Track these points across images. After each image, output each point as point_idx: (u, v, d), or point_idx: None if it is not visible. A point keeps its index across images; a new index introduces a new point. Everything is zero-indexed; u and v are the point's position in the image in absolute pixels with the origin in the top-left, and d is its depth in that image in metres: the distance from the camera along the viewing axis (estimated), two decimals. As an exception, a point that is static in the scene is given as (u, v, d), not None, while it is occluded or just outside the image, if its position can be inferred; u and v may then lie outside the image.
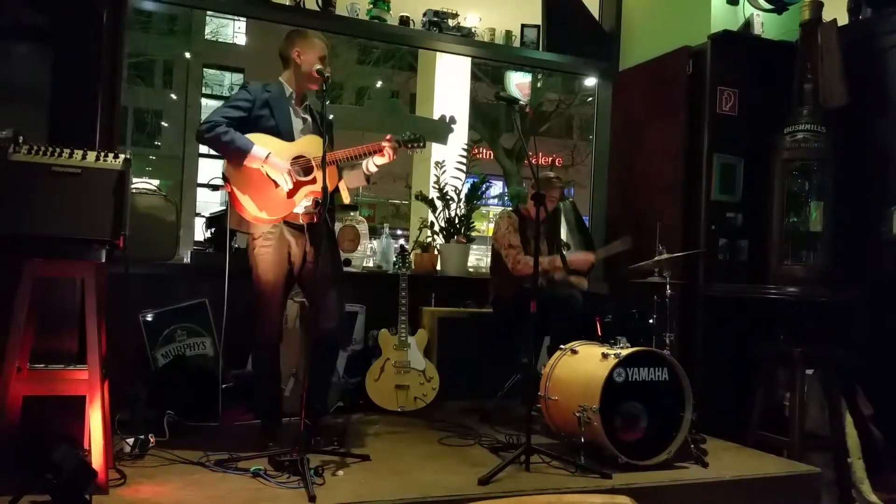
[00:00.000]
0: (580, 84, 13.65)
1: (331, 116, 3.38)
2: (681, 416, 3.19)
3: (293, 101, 3.24)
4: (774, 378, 3.99)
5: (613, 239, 4.70)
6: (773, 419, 3.91)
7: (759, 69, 4.36)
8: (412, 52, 9.69)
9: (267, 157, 3.04)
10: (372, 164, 3.29)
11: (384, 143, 3.23)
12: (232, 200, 3.11)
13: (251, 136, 3.06)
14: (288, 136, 3.16)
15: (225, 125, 3.02)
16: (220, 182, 3.37)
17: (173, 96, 19.81)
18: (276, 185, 3.08)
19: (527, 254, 3.93)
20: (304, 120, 3.25)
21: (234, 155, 3.03)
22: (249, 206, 3.07)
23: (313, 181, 3.09)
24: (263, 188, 3.08)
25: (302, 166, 3.11)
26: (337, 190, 3.28)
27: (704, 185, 4.27)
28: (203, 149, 19.93)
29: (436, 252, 4.89)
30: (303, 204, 3.12)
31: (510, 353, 4.10)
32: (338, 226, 4.37)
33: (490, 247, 4.33)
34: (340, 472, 2.84)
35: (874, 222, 3.99)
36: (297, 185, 3.10)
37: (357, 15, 4.70)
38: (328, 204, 2.96)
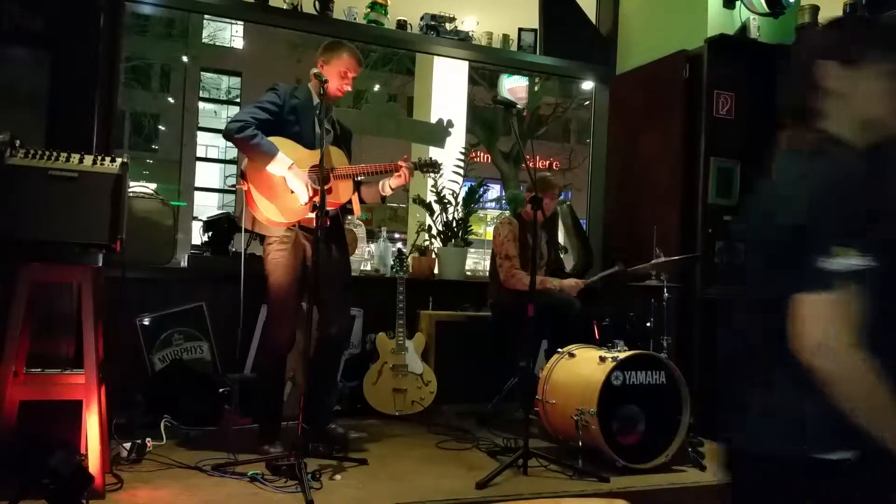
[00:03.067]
0: (577, 88, 13.67)
1: (340, 122, 3.39)
2: (678, 419, 3.19)
3: (318, 111, 3.26)
4: (772, 381, 3.99)
5: (610, 242, 4.72)
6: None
7: (756, 73, 4.36)
8: (410, 55, 9.71)
9: (291, 166, 3.06)
10: (388, 186, 3.34)
11: (401, 164, 3.27)
12: (247, 199, 3.11)
13: (274, 140, 3.08)
14: (310, 145, 3.18)
15: (255, 126, 3.04)
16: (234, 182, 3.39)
17: (171, 100, 19.81)
18: (293, 190, 3.09)
19: (525, 258, 3.93)
20: (328, 131, 3.26)
21: (259, 157, 3.05)
22: (264, 208, 3.08)
23: (329, 191, 3.11)
24: (280, 191, 3.09)
25: (320, 175, 3.12)
26: (349, 201, 3.31)
27: (701, 189, 4.27)
28: (200, 152, 20.00)
29: (433, 256, 4.89)
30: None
31: (508, 356, 4.10)
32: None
33: (491, 251, 4.33)
34: (338, 477, 2.83)
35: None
36: (314, 193, 3.11)
37: (354, 19, 4.71)
38: (326, 212, 2.95)
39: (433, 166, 3.40)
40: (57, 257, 2.57)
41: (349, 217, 4.72)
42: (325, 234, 3.07)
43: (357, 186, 3.36)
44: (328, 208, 3.05)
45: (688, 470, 3.17)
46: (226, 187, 20.60)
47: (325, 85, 3.09)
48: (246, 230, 3.29)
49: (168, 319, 3.94)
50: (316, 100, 3.25)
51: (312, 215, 3.12)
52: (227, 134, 3.05)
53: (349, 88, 3.26)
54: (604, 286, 4.72)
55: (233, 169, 19.52)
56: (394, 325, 4.08)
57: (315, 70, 3.15)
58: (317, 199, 2.97)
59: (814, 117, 1.31)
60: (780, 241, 1.23)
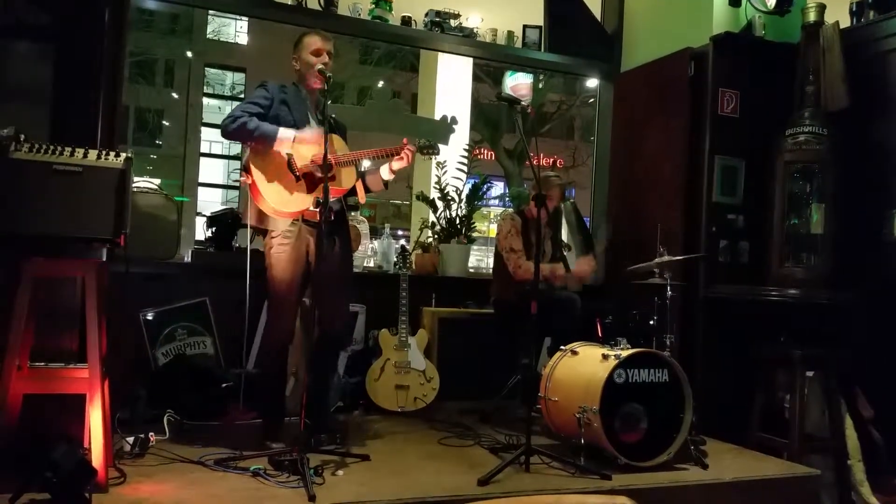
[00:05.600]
0: (581, 85, 13.67)
1: (333, 115, 3.39)
2: (681, 417, 3.19)
3: (309, 103, 3.26)
4: (775, 380, 3.99)
5: (615, 240, 4.72)
6: (773, 421, 3.91)
7: (761, 71, 4.36)
8: (414, 52, 9.71)
9: (295, 136, 3.06)
10: (389, 170, 3.32)
11: (405, 146, 3.26)
12: (252, 192, 3.10)
13: None
14: None
15: (247, 116, 3.05)
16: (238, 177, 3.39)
17: (175, 95, 19.82)
18: (298, 179, 3.08)
19: (529, 255, 3.93)
20: (321, 121, 3.25)
21: (262, 140, 3.04)
22: (270, 198, 3.06)
23: (332, 179, 3.09)
24: (285, 181, 3.08)
25: (320, 165, 3.11)
26: (353, 191, 3.30)
27: (705, 187, 4.27)
28: (204, 148, 20.01)
29: (436, 252, 4.89)
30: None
31: (510, 353, 4.10)
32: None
33: (494, 248, 4.33)
34: (340, 472, 2.84)
35: (875, 224, 3.99)
36: (316, 183, 3.11)
37: (359, 15, 4.70)
38: (328, 203, 2.95)
39: (432, 148, 3.41)
40: (61, 252, 2.58)
41: (353, 214, 4.73)
42: (329, 228, 3.06)
43: (361, 175, 3.35)
44: (332, 197, 3.04)
45: (690, 468, 3.16)
46: (229, 183, 20.62)
47: (328, 80, 3.08)
48: (251, 227, 3.28)
49: (171, 314, 3.95)
50: (304, 92, 3.26)
51: (316, 209, 3.13)
52: (224, 130, 3.07)
53: (328, 64, 3.20)
54: (608, 281, 4.74)
55: (236, 164, 19.52)
56: (396, 322, 4.08)
57: (319, 67, 3.14)
58: (320, 194, 2.96)
59: None
60: None
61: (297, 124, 3.17)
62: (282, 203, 3.08)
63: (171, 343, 3.93)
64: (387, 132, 4.94)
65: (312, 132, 3.13)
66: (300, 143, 3.08)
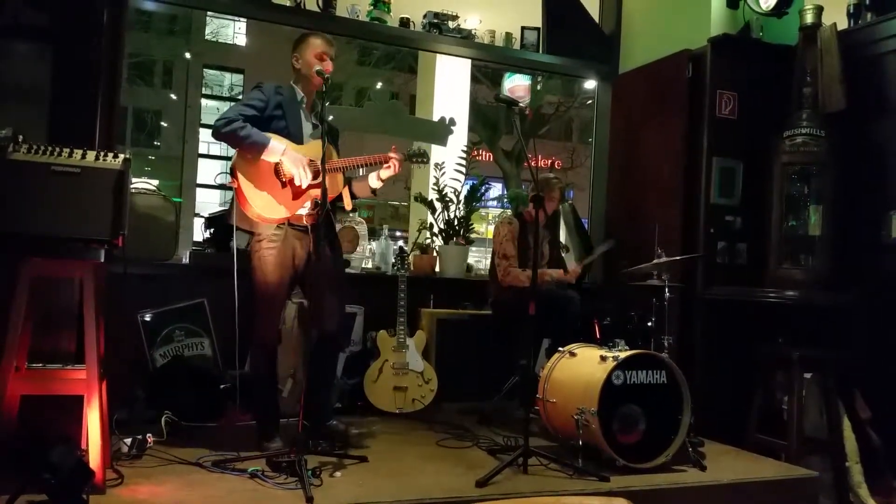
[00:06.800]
0: (580, 87, 13.67)
1: (330, 117, 3.39)
2: (679, 419, 3.19)
3: (304, 106, 3.26)
4: (773, 381, 4.00)
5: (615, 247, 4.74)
6: (771, 423, 3.91)
7: (759, 73, 4.37)
8: (412, 53, 9.71)
9: (284, 150, 3.06)
10: (377, 178, 3.32)
11: (391, 155, 3.26)
12: (238, 196, 3.10)
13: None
14: (297, 139, 3.17)
15: (241, 121, 3.04)
16: (224, 179, 3.38)
17: (173, 96, 19.82)
18: (284, 185, 3.08)
19: (526, 258, 3.94)
20: (315, 126, 3.25)
21: (251, 148, 3.03)
22: (255, 204, 3.06)
23: (319, 185, 3.09)
24: (271, 187, 3.08)
25: (310, 169, 3.11)
26: (340, 196, 3.29)
27: (703, 189, 4.27)
28: (202, 149, 19.99)
29: (435, 254, 4.89)
30: (307, 205, 3.13)
31: (508, 355, 4.10)
32: (337, 227, 4.38)
33: (491, 249, 4.34)
34: (338, 474, 2.84)
35: (873, 226, 4.00)
36: (303, 190, 3.11)
37: (357, 16, 4.70)
38: (327, 207, 2.95)
39: (422, 156, 3.37)
40: (59, 253, 2.57)
41: (351, 215, 4.73)
42: (314, 229, 3.05)
43: (348, 181, 3.35)
44: (316, 199, 3.03)
45: (688, 470, 3.16)
46: (226, 183, 20.61)
47: (326, 82, 3.08)
48: (237, 227, 3.28)
49: (169, 315, 3.94)
50: (300, 95, 3.25)
51: (303, 212, 3.13)
52: (215, 131, 3.05)
53: (328, 69, 3.20)
54: (606, 283, 4.73)
55: (234, 166, 19.48)
56: (395, 323, 4.08)
57: (317, 67, 3.14)
58: (317, 193, 2.96)
59: None
60: None
61: (290, 128, 3.16)
62: (267, 209, 3.08)
63: (168, 344, 3.92)
64: (385, 134, 4.94)
65: (304, 149, 3.12)
66: (287, 158, 3.06)
